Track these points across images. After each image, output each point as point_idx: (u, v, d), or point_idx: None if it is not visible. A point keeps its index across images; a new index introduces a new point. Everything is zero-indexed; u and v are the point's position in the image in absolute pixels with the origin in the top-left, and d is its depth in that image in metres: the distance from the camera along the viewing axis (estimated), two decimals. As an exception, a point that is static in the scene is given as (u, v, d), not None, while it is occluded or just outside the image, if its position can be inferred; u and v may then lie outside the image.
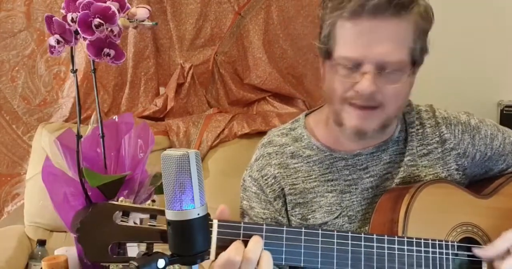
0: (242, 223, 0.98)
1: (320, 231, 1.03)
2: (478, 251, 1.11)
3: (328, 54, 1.14)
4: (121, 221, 0.87)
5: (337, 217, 1.23)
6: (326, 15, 1.13)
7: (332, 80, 1.14)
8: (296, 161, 1.26)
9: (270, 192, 1.25)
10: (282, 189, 1.25)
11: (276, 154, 1.27)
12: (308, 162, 1.25)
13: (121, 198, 0.90)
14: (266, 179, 1.26)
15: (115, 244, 0.87)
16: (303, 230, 1.02)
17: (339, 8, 1.10)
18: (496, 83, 2.69)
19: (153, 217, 0.87)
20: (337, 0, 1.11)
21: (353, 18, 1.08)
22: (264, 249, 0.96)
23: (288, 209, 1.25)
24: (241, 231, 0.97)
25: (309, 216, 1.23)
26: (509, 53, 2.66)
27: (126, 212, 0.88)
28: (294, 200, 1.24)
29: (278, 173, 1.25)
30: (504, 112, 2.64)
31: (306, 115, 1.33)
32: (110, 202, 0.90)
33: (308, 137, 1.27)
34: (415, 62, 1.13)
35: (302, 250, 1.01)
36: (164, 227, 0.83)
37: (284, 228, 1.01)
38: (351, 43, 1.10)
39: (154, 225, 0.86)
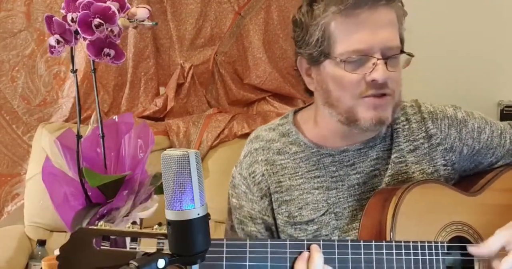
0: (224, 240, 0.99)
1: (305, 242, 1.03)
2: (471, 249, 1.10)
3: (324, 55, 1.15)
4: (102, 245, 0.87)
5: (323, 214, 1.22)
6: (316, 18, 1.14)
7: (339, 79, 1.14)
8: (282, 157, 1.26)
9: (257, 190, 1.25)
10: (269, 188, 1.25)
11: (263, 149, 1.27)
12: (294, 159, 1.25)
13: (100, 223, 0.89)
14: (254, 177, 1.26)
15: None
16: (287, 242, 1.02)
17: (335, 3, 1.11)
18: (496, 83, 2.69)
19: (134, 240, 0.87)
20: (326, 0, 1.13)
21: (352, 11, 1.11)
22: (249, 264, 0.98)
23: (275, 207, 1.25)
24: (224, 248, 0.98)
25: (296, 214, 1.23)
26: (509, 53, 2.66)
27: (106, 236, 0.87)
28: (281, 198, 1.24)
29: (265, 170, 1.25)
30: (504, 112, 2.64)
31: (295, 112, 1.33)
32: (89, 227, 0.90)
33: (296, 133, 1.27)
34: (402, 48, 1.18)
35: (288, 264, 1.01)
36: (146, 250, 0.83)
37: (268, 242, 1.02)
38: (355, 35, 1.11)
39: (135, 248, 0.86)
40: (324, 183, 1.23)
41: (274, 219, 1.26)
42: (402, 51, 1.16)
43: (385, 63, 1.11)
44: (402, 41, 1.18)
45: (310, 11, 1.15)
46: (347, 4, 1.10)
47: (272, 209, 1.25)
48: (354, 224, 1.21)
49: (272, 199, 1.25)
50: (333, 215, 1.22)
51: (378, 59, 1.11)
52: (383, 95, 1.14)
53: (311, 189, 1.23)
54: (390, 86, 1.14)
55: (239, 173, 1.29)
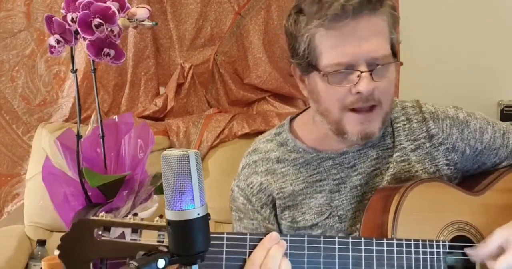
0: (225, 233, 0.98)
1: (306, 238, 1.02)
2: (470, 251, 1.09)
3: (312, 67, 1.14)
4: (102, 236, 0.87)
5: (327, 218, 1.22)
6: (301, 29, 1.13)
7: (325, 91, 1.14)
8: (282, 165, 1.26)
9: (256, 200, 1.25)
10: (269, 195, 1.25)
11: (262, 161, 1.27)
12: (295, 165, 1.25)
13: (101, 214, 0.89)
14: (251, 188, 1.26)
15: (98, 260, 0.87)
16: (288, 237, 1.01)
17: (316, 18, 1.09)
18: (496, 83, 2.69)
19: (134, 231, 0.87)
20: (311, 11, 1.10)
21: (334, 24, 1.09)
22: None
23: (278, 213, 1.25)
24: (224, 242, 0.97)
25: (299, 218, 1.23)
26: (509, 53, 2.65)
27: (107, 227, 0.87)
28: (284, 203, 1.24)
29: (265, 180, 1.25)
30: (504, 112, 2.64)
31: (292, 119, 1.32)
32: (91, 218, 0.90)
33: (293, 140, 1.27)
34: (394, 53, 1.16)
35: (288, 259, 1.00)
36: (147, 242, 0.84)
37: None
38: (338, 48, 1.10)
39: (136, 240, 0.86)
40: (326, 187, 1.23)
41: (278, 225, 1.26)
42: (394, 57, 1.14)
43: (371, 74, 1.10)
44: (393, 47, 1.15)
45: (297, 22, 1.14)
46: (328, 18, 1.08)
47: (276, 216, 1.25)
48: (358, 226, 1.20)
49: (276, 205, 1.25)
50: (336, 218, 1.22)
51: (362, 71, 1.09)
52: (370, 108, 1.13)
53: (313, 193, 1.23)
54: (377, 97, 1.12)
55: (237, 186, 1.29)
